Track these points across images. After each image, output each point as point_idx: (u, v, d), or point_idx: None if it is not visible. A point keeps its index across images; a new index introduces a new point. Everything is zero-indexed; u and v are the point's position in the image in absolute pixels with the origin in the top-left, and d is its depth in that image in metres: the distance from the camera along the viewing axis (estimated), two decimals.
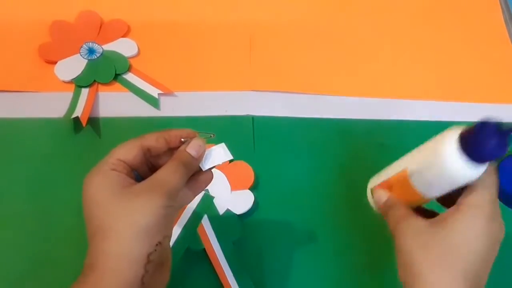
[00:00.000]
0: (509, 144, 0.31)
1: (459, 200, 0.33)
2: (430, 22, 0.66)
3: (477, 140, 0.31)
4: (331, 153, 0.54)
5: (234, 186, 0.49)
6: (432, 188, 0.35)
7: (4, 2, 0.63)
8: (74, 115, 0.53)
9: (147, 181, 0.34)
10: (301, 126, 0.56)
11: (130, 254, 0.31)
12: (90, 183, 0.33)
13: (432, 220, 0.34)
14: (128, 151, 0.35)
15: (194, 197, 0.39)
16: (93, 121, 0.54)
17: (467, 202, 0.33)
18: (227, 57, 0.61)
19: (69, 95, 0.55)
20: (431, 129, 0.57)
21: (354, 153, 0.54)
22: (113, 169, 0.34)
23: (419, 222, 0.34)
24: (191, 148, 0.36)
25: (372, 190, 0.39)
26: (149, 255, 0.31)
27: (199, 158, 0.37)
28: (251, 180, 0.50)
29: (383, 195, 0.37)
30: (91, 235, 0.32)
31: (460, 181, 0.33)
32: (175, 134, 0.37)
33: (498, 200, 0.35)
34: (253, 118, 0.56)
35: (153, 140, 0.36)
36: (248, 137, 0.54)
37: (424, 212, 0.37)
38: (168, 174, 0.34)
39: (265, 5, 0.66)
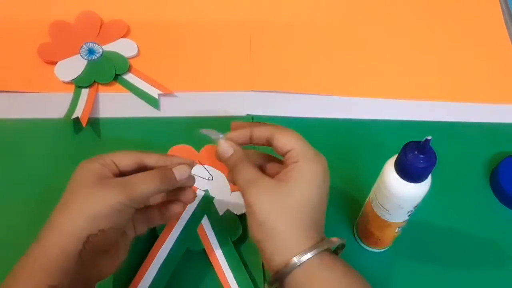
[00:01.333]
0: (435, 156, 0.35)
1: (291, 156, 0.38)
2: (430, 23, 0.66)
3: (404, 165, 0.36)
4: (331, 153, 0.54)
5: (234, 187, 0.49)
6: (385, 210, 0.40)
7: (4, 2, 0.63)
8: (74, 116, 0.53)
9: (122, 178, 0.38)
10: (301, 126, 0.56)
11: (72, 230, 0.35)
12: (78, 168, 0.39)
13: (277, 178, 0.38)
14: (125, 159, 0.39)
15: (154, 224, 0.43)
16: (93, 122, 0.54)
17: (290, 156, 0.38)
18: (227, 58, 0.61)
19: (69, 95, 0.55)
20: (431, 129, 0.57)
21: (354, 153, 0.54)
22: (103, 165, 0.38)
23: (267, 183, 0.37)
24: (177, 170, 0.40)
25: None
26: (89, 236, 0.36)
27: (179, 182, 0.40)
28: None
29: (228, 149, 0.39)
30: (54, 210, 0.37)
31: (404, 200, 0.38)
32: (177, 162, 0.41)
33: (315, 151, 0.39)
34: (252, 118, 0.56)
35: (153, 161, 0.40)
36: None
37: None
38: (142, 181, 0.38)
39: (265, 5, 0.66)
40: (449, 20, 0.67)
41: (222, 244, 0.46)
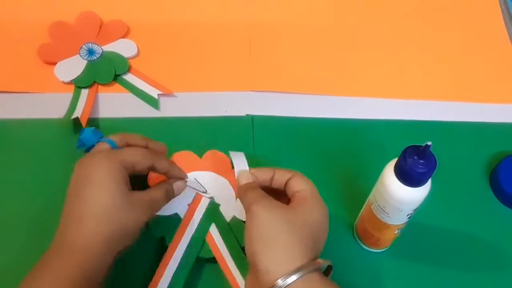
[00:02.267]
0: (436, 161, 0.35)
1: (300, 194, 0.41)
2: (429, 23, 0.66)
3: (404, 169, 0.36)
4: (331, 153, 0.54)
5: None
6: (385, 213, 0.40)
7: (4, 2, 0.63)
8: (74, 116, 0.53)
9: (145, 195, 0.41)
10: (301, 126, 0.56)
11: (113, 246, 0.38)
12: (102, 168, 0.39)
13: (283, 205, 0.40)
14: (142, 163, 0.41)
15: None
16: (93, 122, 0.54)
17: (300, 193, 0.41)
18: (226, 58, 0.61)
19: (69, 96, 0.56)
20: (431, 129, 0.57)
21: (354, 153, 0.54)
22: (125, 167, 0.40)
23: (275, 202, 0.40)
24: (176, 186, 0.45)
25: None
26: (124, 248, 0.39)
27: (176, 195, 0.46)
28: None
29: (245, 178, 0.43)
30: (81, 215, 0.38)
31: (404, 203, 0.38)
32: (178, 175, 0.46)
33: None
34: (252, 118, 0.56)
35: (162, 167, 0.43)
36: (248, 137, 0.54)
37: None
38: (160, 197, 0.43)
39: (265, 5, 0.66)
40: (448, 20, 0.67)
41: (231, 251, 0.46)
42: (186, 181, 0.47)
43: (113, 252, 0.38)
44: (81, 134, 0.43)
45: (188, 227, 0.47)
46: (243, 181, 0.43)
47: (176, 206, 0.47)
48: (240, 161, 0.45)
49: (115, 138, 0.43)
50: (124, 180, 0.40)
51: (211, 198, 0.49)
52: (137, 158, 0.41)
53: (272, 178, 0.43)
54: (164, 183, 0.45)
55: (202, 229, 0.47)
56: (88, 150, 0.43)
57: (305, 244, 0.37)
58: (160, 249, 0.45)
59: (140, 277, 0.45)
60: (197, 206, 0.48)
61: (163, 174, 0.45)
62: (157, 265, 0.44)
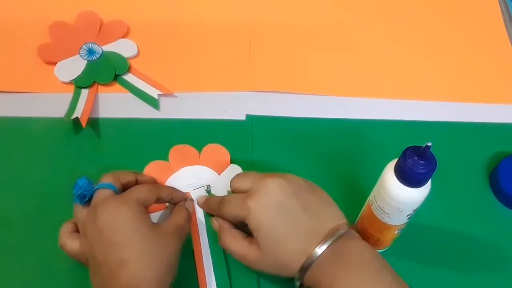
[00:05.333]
0: (436, 161, 0.35)
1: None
2: (429, 23, 0.66)
3: (404, 170, 0.36)
4: (330, 153, 0.54)
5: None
6: (385, 213, 0.40)
7: (4, 2, 0.63)
8: (73, 116, 0.53)
9: (170, 224, 0.43)
10: (301, 126, 0.56)
11: (162, 282, 0.39)
12: (124, 213, 0.40)
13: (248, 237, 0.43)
14: (150, 198, 0.43)
15: None
16: (93, 122, 0.54)
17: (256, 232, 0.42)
18: (226, 58, 0.61)
19: (68, 96, 0.55)
20: (431, 130, 0.57)
21: (354, 154, 0.54)
22: (141, 205, 0.41)
23: (239, 233, 0.44)
24: (188, 206, 0.48)
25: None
26: (171, 281, 0.40)
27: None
28: None
29: (216, 224, 0.46)
30: (121, 260, 0.38)
31: (404, 204, 0.38)
32: (179, 196, 0.48)
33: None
34: (252, 118, 0.56)
35: (166, 194, 0.46)
36: (247, 137, 0.54)
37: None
38: (183, 222, 0.44)
39: (265, 6, 0.66)
40: (448, 20, 0.67)
41: (212, 245, 0.47)
42: (191, 199, 0.49)
43: (170, 280, 0.39)
44: (77, 189, 0.42)
45: (198, 226, 0.47)
46: (217, 226, 0.46)
47: None
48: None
49: (108, 179, 0.43)
50: (148, 217, 0.41)
51: (209, 191, 0.49)
52: (147, 194, 0.43)
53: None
54: (178, 207, 0.47)
55: (209, 219, 0.48)
56: (88, 201, 0.42)
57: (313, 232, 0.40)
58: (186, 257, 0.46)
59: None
60: (194, 204, 0.49)
61: (167, 202, 0.47)
62: (191, 272, 0.45)
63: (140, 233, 0.39)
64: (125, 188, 0.44)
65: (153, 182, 0.49)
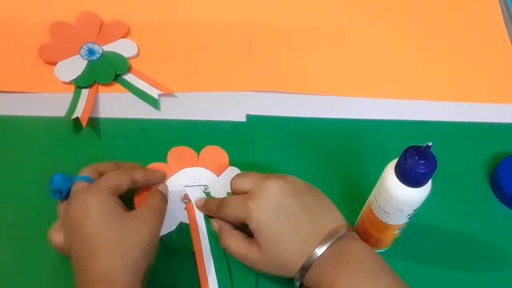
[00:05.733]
0: (436, 161, 0.36)
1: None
2: (429, 23, 0.66)
3: (405, 169, 0.36)
4: (330, 153, 0.54)
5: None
6: (385, 213, 0.40)
7: (4, 2, 0.63)
8: (74, 116, 0.53)
9: (143, 208, 0.42)
10: (301, 126, 0.56)
11: (135, 268, 0.38)
12: (92, 203, 0.40)
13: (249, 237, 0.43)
14: (122, 180, 0.43)
15: None
16: (93, 122, 0.54)
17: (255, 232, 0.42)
18: (226, 58, 0.61)
19: (69, 96, 0.56)
20: (431, 130, 0.57)
21: (354, 154, 0.54)
22: (112, 193, 0.41)
23: (240, 233, 0.44)
24: (162, 187, 0.47)
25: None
26: (147, 267, 0.39)
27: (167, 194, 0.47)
28: None
29: (216, 225, 0.46)
30: (90, 251, 0.38)
31: (405, 204, 0.38)
32: (155, 176, 0.48)
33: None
34: (252, 118, 0.56)
35: (141, 176, 0.45)
36: (248, 137, 0.54)
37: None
38: (157, 203, 0.44)
39: (265, 5, 0.66)
40: (448, 20, 0.67)
41: (212, 245, 0.47)
42: (166, 179, 0.49)
43: (139, 275, 0.39)
44: (52, 185, 0.42)
45: (198, 227, 0.47)
46: (217, 227, 0.46)
47: (176, 217, 0.48)
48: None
49: (86, 172, 0.44)
50: (119, 204, 0.41)
51: (207, 193, 0.50)
52: (117, 179, 0.43)
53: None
54: (152, 190, 0.46)
55: (209, 220, 0.48)
56: (66, 197, 0.43)
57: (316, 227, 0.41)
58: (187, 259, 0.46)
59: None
60: (193, 204, 0.49)
61: (144, 184, 0.47)
62: (192, 273, 0.45)
63: (108, 221, 0.39)
64: None
65: (133, 168, 0.48)
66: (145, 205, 0.43)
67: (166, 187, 0.48)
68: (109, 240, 0.39)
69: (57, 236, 0.42)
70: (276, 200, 0.41)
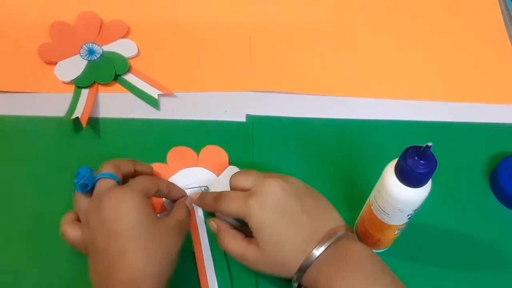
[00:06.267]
0: (436, 161, 0.35)
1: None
2: (429, 23, 0.66)
3: (404, 170, 0.36)
4: (330, 153, 0.54)
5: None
6: (385, 213, 0.40)
7: (4, 2, 0.63)
8: (74, 116, 0.53)
9: (172, 220, 0.43)
10: (301, 126, 0.56)
11: (162, 277, 0.39)
12: (129, 203, 0.40)
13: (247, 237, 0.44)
14: (151, 187, 0.43)
15: None
16: (93, 122, 0.54)
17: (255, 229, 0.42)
18: (226, 58, 0.61)
19: (69, 96, 0.56)
20: (431, 130, 0.57)
21: (354, 154, 0.54)
22: (147, 197, 0.42)
23: (238, 233, 0.44)
24: (188, 203, 0.48)
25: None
26: (168, 278, 0.40)
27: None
28: None
29: (214, 225, 0.46)
30: (122, 251, 0.38)
31: (404, 204, 0.38)
32: (176, 190, 0.48)
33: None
34: (252, 119, 0.56)
35: (164, 187, 0.46)
36: (248, 137, 0.54)
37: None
38: (184, 218, 0.44)
39: (265, 5, 0.66)
40: (448, 21, 0.67)
41: (212, 247, 0.47)
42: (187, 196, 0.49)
43: (163, 285, 0.39)
44: (79, 179, 0.42)
45: (198, 227, 0.47)
46: (215, 227, 0.46)
47: None
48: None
49: (108, 169, 0.43)
50: (151, 209, 0.41)
51: (205, 187, 0.50)
52: (149, 185, 0.43)
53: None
54: (178, 203, 0.47)
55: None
56: (89, 190, 0.42)
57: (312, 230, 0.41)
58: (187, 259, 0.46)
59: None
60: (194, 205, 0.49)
61: (164, 196, 0.46)
62: (192, 273, 0.45)
63: (143, 225, 0.39)
64: (124, 178, 0.44)
65: (151, 171, 0.49)
66: (173, 217, 0.43)
67: (190, 201, 0.48)
68: (142, 244, 0.38)
69: (73, 231, 0.42)
70: (276, 200, 0.41)
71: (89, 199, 0.42)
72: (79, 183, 0.41)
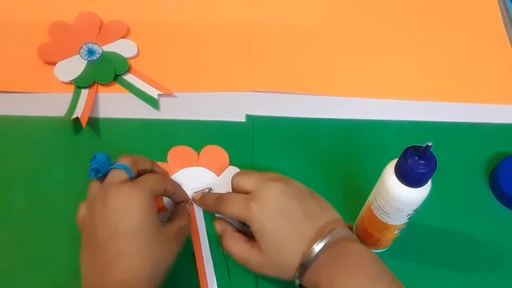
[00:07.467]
0: (436, 161, 0.36)
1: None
2: (429, 24, 0.66)
3: (404, 169, 0.36)
4: (330, 153, 0.54)
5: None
6: (385, 213, 0.40)
7: (4, 2, 0.63)
8: (74, 116, 0.53)
9: (173, 227, 0.42)
10: (301, 126, 0.56)
11: (154, 282, 0.38)
12: (136, 202, 0.39)
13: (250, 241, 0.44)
14: (159, 186, 0.43)
15: None
16: (93, 122, 0.54)
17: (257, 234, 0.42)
18: (226, 58, 0.61)
19: (69, 96, 0.56)
20: (431, 130, 0.57)
21: (354, 154, 0.54)
22: (152, 196, 0.41)
23: (241, 237, 0.44)
24: (189, 209, 0.48)
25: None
26: (161, 282, 0.40)
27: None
28: None
29: (219, 228, 0.46)
30: (119, 250, 0.38)
31: (404, 204, 0.38)
32: (180, 192, 0.48)
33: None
34: (252, 119, 0.56)
35: (171, 187, 0.45)
36: (248, 137, 0.54)
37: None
38: (185, 225, 0.44)
39: (265, 6, 0.66)
40: (448, 21, 0.67)
41: (212, 246, 0.47)
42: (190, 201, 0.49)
43: (161, 283, 0.39)
44: (94, 162, 0.42)
45: (198, 227, 0.47)
46: (220, 230, 0.46)
47: None
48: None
49: (125, 161, 0.43)
50: (156, 213, 0.41)
51: (209, 190, 0.50)
52: (159, 185, 0.43)
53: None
54: (180, 209, 0.47)
55: (208, 221, 0.48)
56: (102, 177, 0.42)
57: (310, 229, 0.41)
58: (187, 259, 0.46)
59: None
60: (193, 205, 0.49)
61: (169, 196, 0.46)
62: (191, 273, 0.45)
63: (145, 228, 0.39)
64: (139, 174, 0.44)
65: (166, 174, 0.49)
66: (175, 224, 0.43)
67: (190, 206, 0.48)
68: (140, 248, 0.38)
69: (84, 210, 0.42)
70: (278, 204, 0.41)
71: (100, 185, 0.42)
72: (92, 167, 0.41)
